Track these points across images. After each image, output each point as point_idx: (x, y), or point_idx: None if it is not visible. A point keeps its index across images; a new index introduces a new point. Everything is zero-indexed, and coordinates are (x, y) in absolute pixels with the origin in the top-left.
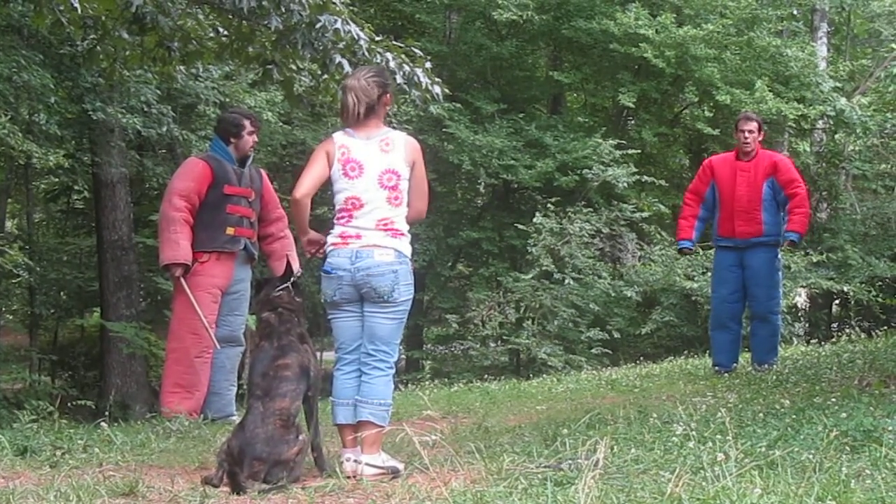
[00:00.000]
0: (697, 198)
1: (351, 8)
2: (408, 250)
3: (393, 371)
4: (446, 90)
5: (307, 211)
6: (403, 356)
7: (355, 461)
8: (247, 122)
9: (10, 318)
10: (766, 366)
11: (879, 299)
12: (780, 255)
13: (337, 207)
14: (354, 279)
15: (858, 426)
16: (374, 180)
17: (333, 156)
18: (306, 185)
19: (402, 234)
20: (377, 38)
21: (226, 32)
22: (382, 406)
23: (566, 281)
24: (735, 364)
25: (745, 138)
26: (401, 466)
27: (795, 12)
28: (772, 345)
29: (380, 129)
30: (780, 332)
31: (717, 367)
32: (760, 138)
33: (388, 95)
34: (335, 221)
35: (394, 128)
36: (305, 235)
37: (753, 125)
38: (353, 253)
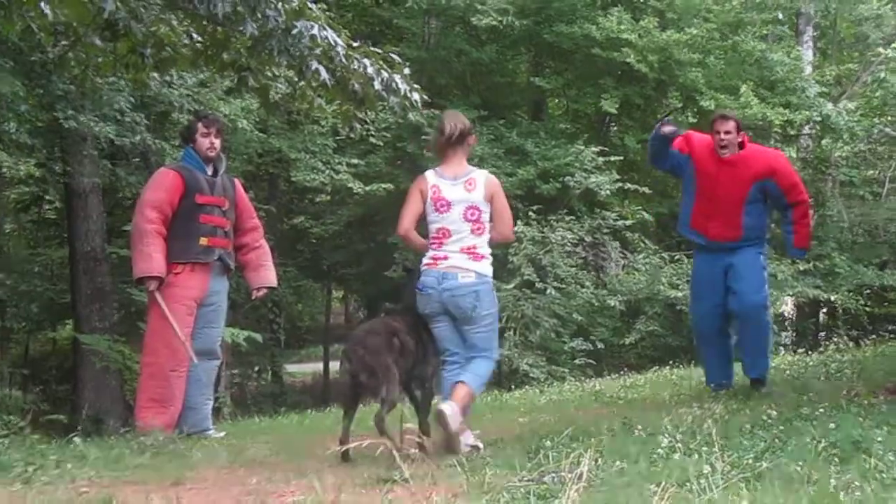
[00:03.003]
0: (680, 150)
1: (328, 13)
2: (489, 270)
3: (495, 360)
4: (425, 97)
5: (417, 239)
6: None
7: (467, 444)
8: (199, 125)
9: None
10: (760, 383)
11: (867, 308)
12: (765, 252)
13: (430, 235)
14: (441, 297)
15: (847, 437)
16: (459, 215)
17: (427, 193)
18: (406, 221)
19: (484, 257)
20: (354, 44)
21: (200, 39)
22: (479, 377)
23: (548, 290)
24: (730, 381)
25: (722, 140)
26: (480, 445)
27: (780, 16)
28: (762, 348)
29: (464, 168)
30: (770, 338)
31: (711, 385)
32: (739, 139)
33: (473, 136)
34: (430, 246)
35: (371, 134)
36: (426, 250)
37: (730, 125)
38: (441, 274)
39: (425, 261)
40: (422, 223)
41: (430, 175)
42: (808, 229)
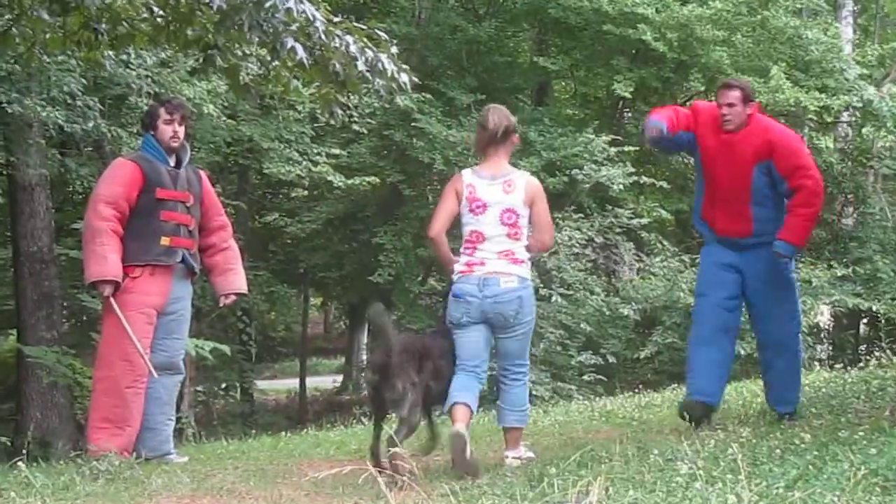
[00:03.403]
0: (681, 118)
1: None
2: (528, 274)
3: (528, 377)
4: (415, 79)
5: (445, 246)
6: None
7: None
8: (161, 110)
9: None
10: (788, 416)
11: None
12: (793, 263)
13: (464, 238)
14: (483, 305)
15: (890, 464)
16: (496, 218)
17: (462, 193)
18: (439, 223)
19: (522, 262)
20: (336, 20)
21: (161, 12)
22: (523, 411)
23: (554, 298)
24: (715, 400)
25: (725, 114)
26: (532, 454)
27: None
28: (794, 381)
29: (504, 168)
30: (803, 361)
31: (693, 397)
32: (749, 111)
33: (517, 135)
34: (462, 251)
35: (354, 121)
36: (449, 266)
37: (735, 94)
38: (481, 280)
39: (459, 268)
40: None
41: (466, 174)
42: (805, 222)
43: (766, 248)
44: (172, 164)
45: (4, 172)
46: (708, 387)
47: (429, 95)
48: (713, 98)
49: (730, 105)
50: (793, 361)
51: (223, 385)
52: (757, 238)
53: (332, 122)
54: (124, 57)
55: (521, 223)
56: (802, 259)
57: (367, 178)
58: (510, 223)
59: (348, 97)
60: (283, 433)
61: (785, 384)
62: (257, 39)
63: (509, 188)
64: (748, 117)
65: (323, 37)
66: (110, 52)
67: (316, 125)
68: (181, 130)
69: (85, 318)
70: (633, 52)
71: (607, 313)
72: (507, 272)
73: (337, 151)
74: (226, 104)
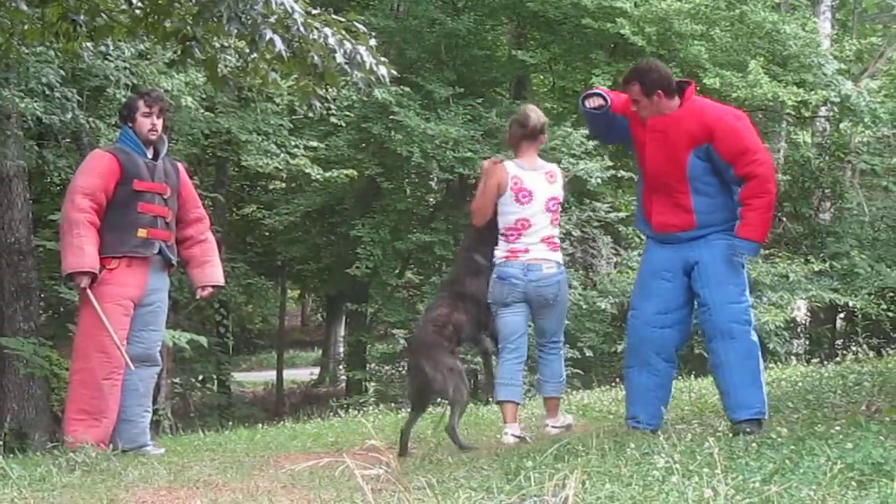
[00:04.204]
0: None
1: None
2: (562, 259)
3: (563, 351)
4: (394, 71)
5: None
6: (344, 377)
7: (513, 435)
8: (139, 102)
9: None
10: (754, 425)
11: (890, 313)
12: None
13: (506, 226)
14: (526, 288)
15: (866, 458)
16: (541, 206)
17: (506, 184)
18: (488, 213)
19: (559, 247)
20: (314, 12)
21: (140, 4)
22: (560, 381)
23: None
24: (655, 423)
25: (635, 110)
26: (570, 419)
27: None
28: (752, 377)
29: (539, 161)
30: (760, 361)
31: (630, 421)
32: (661, 100)
33: (546, 134)
34: (504, 238)
35: (332, 114)
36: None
37: (635, 90)
38: (525, 266)
39: (501, 254)
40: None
41: (510, 165)
42: (763, 214)
43: (711, 241)
44: (150, 156)
45: None
46: (642, 413)
47: (407, 88)
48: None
49: (634, 101)
50: (745, 353)
51: (200, 377)
52: (701, 231)
53: (311, 114)
54: (102, 48)
55: (559, 210)
56: (779, 254)
57: (345, 171)
58: (553, 210)
59: (326, 89)
60: (260, 425)
61: (742, 381)
62: (235, 31)
63: (552, 179)
64: (682, 91)
65: (301, 29)
66: (88, 44)
67: (294, 117)
68: (159, 123)
69: (62, 309)
70: (612, 45)
71: (584, 307)
72: (548, 258)
73: (315, 144)
74: (204, 96)
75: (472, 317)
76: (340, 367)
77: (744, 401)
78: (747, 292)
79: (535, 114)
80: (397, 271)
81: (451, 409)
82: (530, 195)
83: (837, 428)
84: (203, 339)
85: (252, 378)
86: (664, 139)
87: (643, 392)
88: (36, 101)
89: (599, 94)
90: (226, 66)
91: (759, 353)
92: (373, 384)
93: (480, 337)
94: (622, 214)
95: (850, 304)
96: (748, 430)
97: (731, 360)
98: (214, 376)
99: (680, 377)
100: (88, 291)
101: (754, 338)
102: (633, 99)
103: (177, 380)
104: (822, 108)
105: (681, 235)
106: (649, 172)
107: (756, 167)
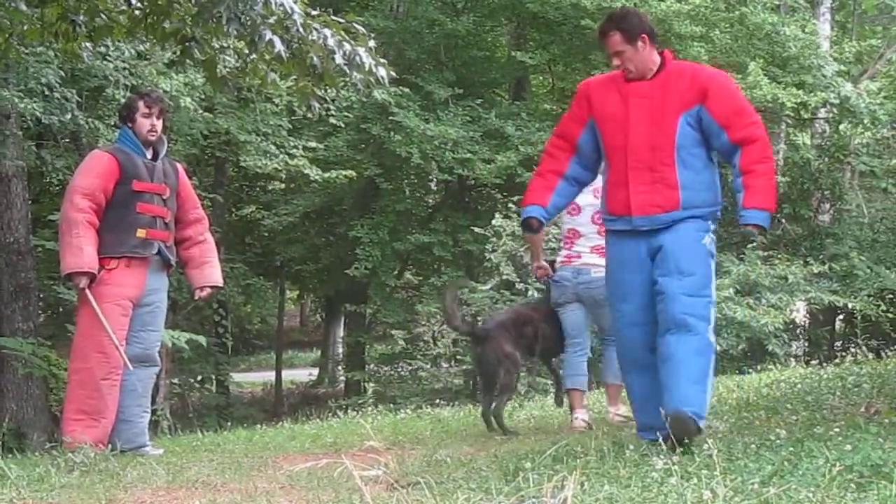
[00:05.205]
0: (567, 144)
1: None
2: None
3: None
4: (393, 73)
5: (541, 242)
6: (343, 378)
7: (582, 420)
8: (140, 103)
9: None
10: (690, 426)
11: (889, 315)
12: (711, 236)
13: (563, 234)
14: (576, 289)
15: (865, 460)
16: (588, 218)
17: None
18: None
19: None
20: (313, 13)
21: (139, 4)
22: (616, 370)
23: (530, 292)
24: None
25: (618, 66)
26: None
27: None
28: (698, 373)
29: None
30: (713, 362)
31: (642, 434)
32: (648, 47)
33: None
34: (562, 245)
35: (331, 115)
36: (537, 262)
37: (615, 39)
38: (575, 270)
39: (560, 259)
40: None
41: None
42: (770, 181)
43: (684, 224)
44: (149, 156)
45: None
46: (656, 420)
47: (406, 89)
48: None
49: (617, 54)
50: (697, 350)
51: (199, 377)
52: (685, 212)
53: (310, 115)
54: (102, 49)
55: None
56: (779, 256)
57: (344, 172)
58: (599, 223)
59: (326, 90)
60: (259, 426)
61: (685, 377)
62: (235, 32)
63: (597, 195)
64: (661, 55)
65: (301, 30)
66: (88, 44)
67: (293, 118)
68: (159, 124)
69: (61, 309)
70: None
71: None
72: (598, 264)
73: (314, 144)
74: (203, 97)
75: (556, 334)
76: (339, 367)
77: (685, 397)
78: (712, 286)
79: None
80: (396, 272)
81: (499, 394)
82: (578, 209)
83: (836, 430)
84: (202, 340)
85: (251, 378)
86: (650, 105)
87: (650, 398)
88: (35, 102)
89: (531, 218)
90: (225, 67)
91: (713, 355)
92: (371, 385)
93: (555, 353)
94: None
95: (850, 305)
96: (685, 430)
97: (681, 355)
98: (213, 377)
99: None
100: (87, 291)
101: (711, 337)
102: (614, 53)
103: (175, 380)
104: (822, 110)
105: (664, 218)
106: (631, 145)
107: (755, 129)
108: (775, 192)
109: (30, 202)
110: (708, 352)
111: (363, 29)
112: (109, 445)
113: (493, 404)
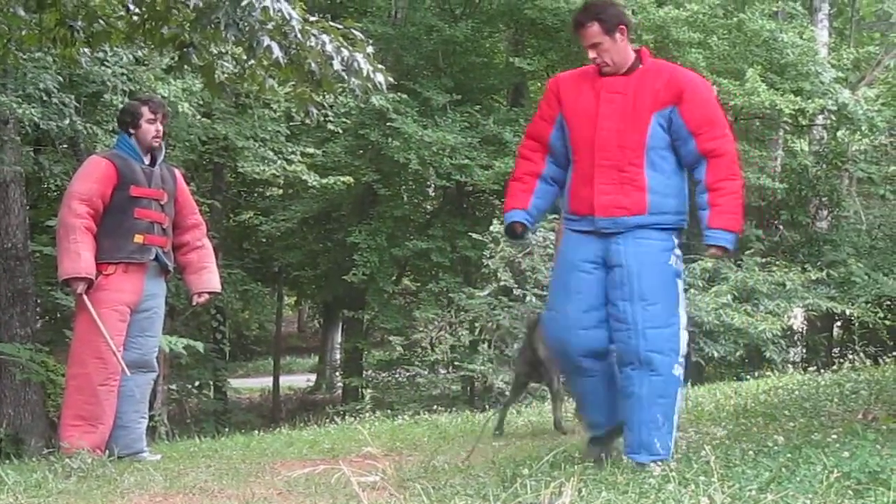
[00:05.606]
0: (540, 145)
1: None
2: None
3: None
4: (391, 78)
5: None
6: (341, 384)
7: None
8: (144, 109)
9: None
10: (650, 460)
11: (887, 322)
12: (677, 253)
13: None
14: None
15: (863, 467)
16: None
17: None
18: None
19: None
20: (312, 19)
21: (137, 10)
22: None
23: (528, 298)
24: (617, 420)
25: (595, 59)
26: None
27: None
28: (662, 415)
29: None
30: (678, 398)
31: (591, 430)
32: (624, 40)
33: None
34: None
35: (329, 120)
36: None
37: (594, 30)
38: None
39: None
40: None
41: None
42: (737, 199)
43: (651, 232)
44: (147, 161)
45: None
46: (601, 419)
47: (404, 95)
48: None
49: (594, 46)
50: (662, 390)
51: (196, 383)
52: (652, 217)
53: (308, 121)
54: (100, 54)
55: None
56: (777, 262)
57: (342, 178)
58: None
59: (324, 96)
60: (257, 432)
61: (648, 420)
62: (233, 38)
63: None
64: (636, 52)
65: (299, 36)
66: (86, 50)
67: (291, 124)
68: (162, 129)
69: (58, 315)
70: None
71: None
72: None
73: (312, 150)
74: (201, 102)
75: None
76: (337, 373)
77: (647, 443)
78: (680, 310)
79: None
80: (394, 278)
81: (553, 401)
82: None
83: (834, 436)
84: (199, 345)
85: (248, 384)
86: (623, 101)
87: (595, 395)
88: (33, 107)
89: (514, 223)
90: (223, 73)
91: (679, 389)
92: (369, 391)
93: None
94: None
95: (847, 312)
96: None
97: (644, 395)
98: (211, 382)
99: None
100: (85, 297)
101: (677, 371)
102: (591, 45)
103: (173, 386)
104: (820, 117)
105: (628, 221)
106: (599, 142)
107: (725, 143)
108: (742, 212)
109: (28, 208)
110: (672, 391)
111: (361, 35)
112: (107, 451)
113: (554, 412)
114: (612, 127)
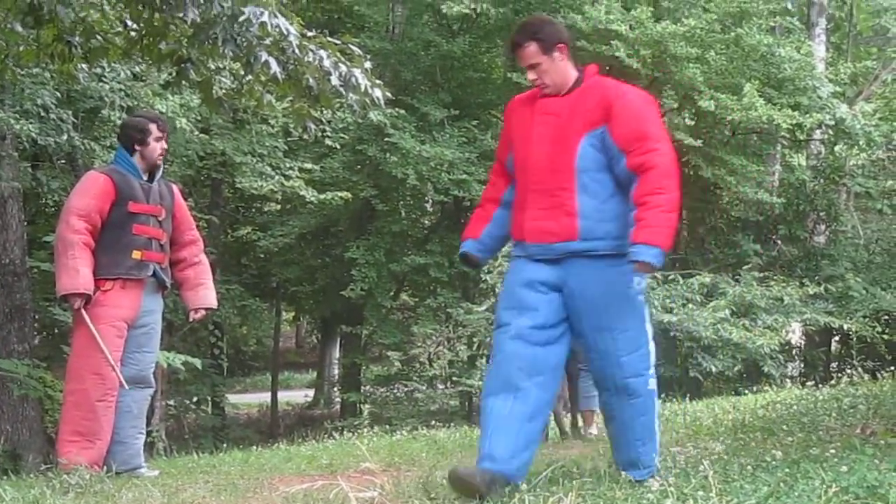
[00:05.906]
0: (501, 168)
1: None
2: None
3: None
4: (389, 94)
5: None
6: (339, 399)
7: (592, 433)
8: (153, 126)
9: None
10: (646, 476)
11: (885, 336)
12: (639, 276)
13: None
14: None
15: (861, 481)
16: None
17: None
18: None
19: None
20: (309, 34)
21: (135, 26)
22: None
23: None
24: (520, 471)
25: (535, 80)
26: None
27: (790, 6)
28: (646, 432)
29: None
30: (656, 409)
31: (483, 463)
32: (564, 59)
33: None
34: None
35: (327, 136)
36: None
37: (531, 50)
38: None
39: None
40: None
41: None
42: (664, 213)
43: (600, 269)
44: (145, 177)
45: None
46: (499, 451)
47: (402, 111)
48: (685, 115)
49: (532, 67)
50: (642, 409)
51: (194, 399)
52: (583, 243)
53: (306, 136)
54: (98, 70)
55: None
56: (774, 277)
57: (340, 193)
58: None
59: (321, 112)
60: (255, 447)
61: (633, 439)
62: (231, 53)
63: None
64: (581, 70)
65: (297, 51)
66: (84, 66)
67: (289, 139)
68: (166, 147)
69: (56, 330)
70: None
71: None
72: None
73: (310, 166)
74: (199, 118)
75: None
76: (335, 389)
77: (636, 460)
78: (646, 326)
79: None
80: (392, 293)
81: (556, 413)
82: None
83: (832, 451)
84: (197, 361)
85: (246, 400)
86: (555, 123)
87: (506, 423)
88: (31, 123)
89: (465, 252)
90: (221, 88)
91: (656, 401)
92: (367, 406)
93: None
94: None
95: (845, 326)
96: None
97: (626, 418)
98: (209, 398)
99: (674, 399)
100: (83, 313)
101: (652, 385)
102: (530, 66)
103: (171, 402)
104: (817, 131)
105: (559, 248)
106: (531, 166)
107: (654, 157)
108: (670, 226)
109: (25, 223)
110: (651, 405)
111: (359, 50)
112: (105, 467)
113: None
114: (543, 150)
